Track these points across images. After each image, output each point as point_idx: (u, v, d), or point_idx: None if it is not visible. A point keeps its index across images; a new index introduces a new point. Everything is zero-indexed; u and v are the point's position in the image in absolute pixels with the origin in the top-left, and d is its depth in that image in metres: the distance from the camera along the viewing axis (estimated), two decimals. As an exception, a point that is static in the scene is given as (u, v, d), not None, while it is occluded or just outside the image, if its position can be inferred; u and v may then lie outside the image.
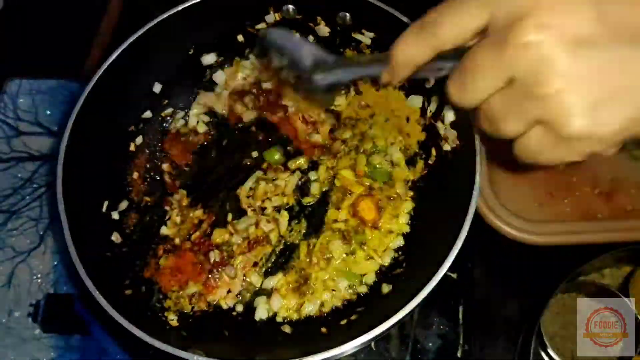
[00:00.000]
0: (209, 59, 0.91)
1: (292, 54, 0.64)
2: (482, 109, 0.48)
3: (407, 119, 0.86)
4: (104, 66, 0.78)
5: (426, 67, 0.51)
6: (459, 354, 0.80)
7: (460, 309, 0.82)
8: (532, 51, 0.41)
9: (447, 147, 0.79)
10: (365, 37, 0.85)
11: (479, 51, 0.45)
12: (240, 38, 0.90)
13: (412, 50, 0.50)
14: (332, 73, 0.60)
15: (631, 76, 0.41)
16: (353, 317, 0.74)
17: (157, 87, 0.89)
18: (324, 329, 0.73)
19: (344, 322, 0.74)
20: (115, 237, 0.80)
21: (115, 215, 0.82)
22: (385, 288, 0.77)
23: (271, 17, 0.87)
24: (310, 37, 0.87)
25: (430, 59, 0.50)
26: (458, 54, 0.48)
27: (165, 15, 0.81)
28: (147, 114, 0.89)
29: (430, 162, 0.84)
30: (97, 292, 0.65)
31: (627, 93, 0.42)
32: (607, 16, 0.41)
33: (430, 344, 0.81)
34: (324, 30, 0.87)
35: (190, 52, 0.89)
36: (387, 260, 0.80)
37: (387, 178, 0.85)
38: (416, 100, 0.85)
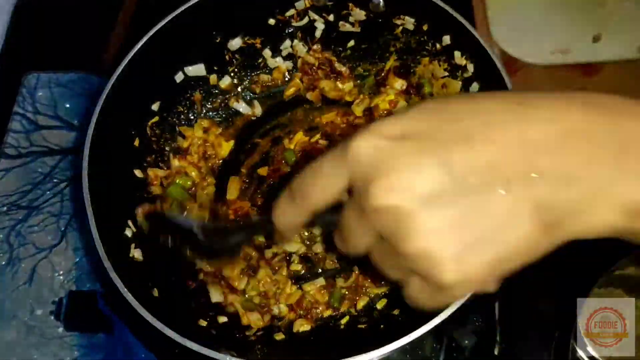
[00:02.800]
0: (235, 43, 0.89)
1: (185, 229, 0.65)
2: (370, 257, 0.48)
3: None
4: (129, 56, 0.77)
5: (317, 221, 0.53)
6: (496, 352, 0.78)
7: (497, 305, 0.80)
8: (387, 215, 0.41)
9: None
10: (408, 23, 0.83)
11: (345, 214, 0.46)
12: (271, 21, 0.88)
13: (288, 216, 0.51)
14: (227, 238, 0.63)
15: (485, 221, 0.41)
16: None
17: (179, 77, 0.87)
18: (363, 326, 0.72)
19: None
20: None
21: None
22: None
23: (301, 4, 0.85)
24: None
25: (311, 218, 0.50)
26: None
27: (188, 5, 0.79)
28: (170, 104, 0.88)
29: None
30: (125, 289, 0.63)
31: (485, 237, 0.41)
32: (452, 167, 0.41)
33: (466, 342, 0.78)
34: (359, 14, 0.85)
35: (217, 40, 0.88)
36: None
37: None
38: None
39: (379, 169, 0.42)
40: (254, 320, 0.76)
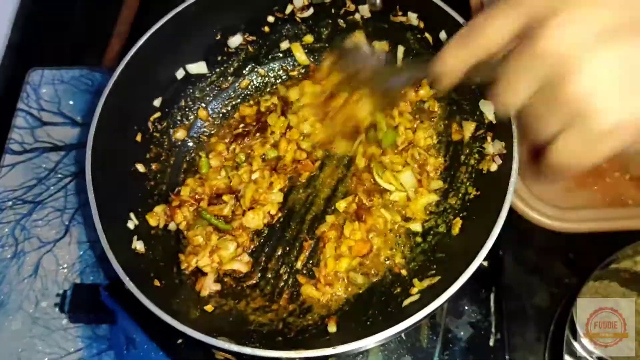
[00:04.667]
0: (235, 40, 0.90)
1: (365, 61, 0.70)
2: (523, 113, 0.49)
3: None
4: (131, 53, 0.78)
5: (476, 73, 0.53)
6: (491, 343, 0.79)
7: (492, 297, 0.81)
8: (556, 52, 0.43)
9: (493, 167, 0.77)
10: (412, 19, 0.84)
11: (513, 57, 0.47)
12: (270, 19, 0.89)
13: (456, 59, 0.52)
14: (402, 75, 0.68)
15: None
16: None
17: (180, 73, 0.88)
18: (363, 318, 0.73)
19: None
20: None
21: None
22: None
23: (299, 2, 0.86)
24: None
25: (475, 66, 0.52)
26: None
27: (189, 2, 0.80)
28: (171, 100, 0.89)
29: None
30: (128, 278, 0.64)
31: None
32: (633, 5, 0.42)
33: (462, 333, 0.79)
34: (365, 10, 0.86)
35: (217, 38, 0.89)
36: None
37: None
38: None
39: (555, 7, 0.43)
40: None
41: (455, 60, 0.52)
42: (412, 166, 0.85)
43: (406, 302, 0.71)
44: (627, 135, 0.44)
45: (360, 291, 0.79)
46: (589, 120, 0.44)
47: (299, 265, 0.81)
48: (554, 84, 0.44)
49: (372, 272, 0.80)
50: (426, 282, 0.73)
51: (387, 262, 0.80)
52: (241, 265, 0.81)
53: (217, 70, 0.92)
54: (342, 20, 0.89)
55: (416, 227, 0.81)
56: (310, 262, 0.82)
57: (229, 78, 0.94)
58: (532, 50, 0.44)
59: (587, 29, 0.42)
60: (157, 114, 0.87)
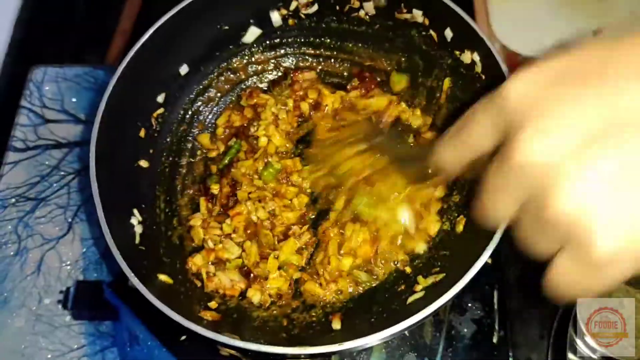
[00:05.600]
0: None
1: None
2: (515, 228, 0.43)
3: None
4: (134, 49, 0.78)
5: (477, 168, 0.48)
6: (494, 340, 0.79)
7: (496, 294, 0.81)
8: (535, 167, 0.37)
9: None
10: (417, 16, 0.84)
11: (491, 170, 0.41)
12: (275, 17, 0.89)
13: (449, 157, 0.49)
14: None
15: None
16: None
17: (183, 70, 0.88)
18: (368, 315, 0.73)
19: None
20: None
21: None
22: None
23: None
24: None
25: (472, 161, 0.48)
26: None
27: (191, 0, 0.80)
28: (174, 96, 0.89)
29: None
30: (132, 274, 0.64)
31: None
32: (608, 110, 0.35)
33: (465, 330, 0.80)
34: (369, 7, 0.86)
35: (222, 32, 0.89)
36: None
37: None
38: None
39: (529, 114, 0.37)
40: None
41: (450, 157, 0.49)
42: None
43: (410, 299, 0.71)
44: (625, 266, 0.37)
45: (365, 288, 0.78)
46: (578, 248, 0.37)
47: (302, 262, 0.81)
48: (538, 200, 0.38)
49: (377, 269, 0.79)
50: (430, 280, 0.72)
51: (393, 261, 0.80)
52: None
53: (222, 65, 0.93)
54: (346, 17, 0.89)
55: (420, 248, 0.80)
56: (313, 259, 0.81)
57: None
58: (507, 164, 0.39)
59: (567, 136, 0.36)
60: (161, 110, 0.87)
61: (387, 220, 0.79)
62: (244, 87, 0.95)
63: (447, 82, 0.84)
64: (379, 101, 0.88)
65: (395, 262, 0.79)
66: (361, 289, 0.78)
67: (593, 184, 0.35)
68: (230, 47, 0.91)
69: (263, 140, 0.86)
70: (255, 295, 0.77)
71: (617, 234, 0.35)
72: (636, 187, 0.35)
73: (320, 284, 0.78)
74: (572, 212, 0.36)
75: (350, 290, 0.78)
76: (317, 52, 0.95)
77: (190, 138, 0.92)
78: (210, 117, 0.93)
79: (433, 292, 0.66)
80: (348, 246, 0.79)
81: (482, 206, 0.44)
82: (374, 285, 0.79)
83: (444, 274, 0.71)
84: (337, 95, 0.89)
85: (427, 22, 0.83)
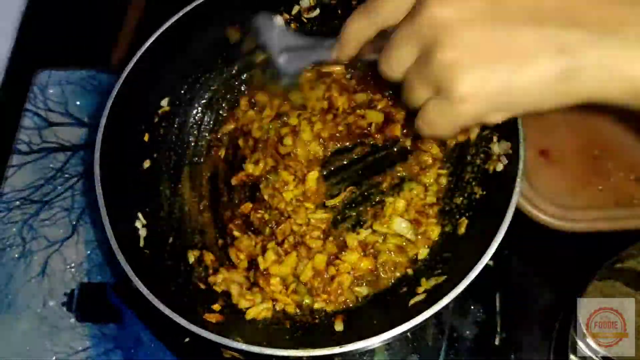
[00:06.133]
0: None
1: (265, 38, 0.70)
2: (403, 81, 0.53)
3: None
4: (139, 53, 0.78)
5: (372, 47, 0.57)
6: (496, 342, 0.79)
7: (498, 296, 0.81)
8: (434, 22, 0.47)
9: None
10: None
11: (399, 24, 0.51)
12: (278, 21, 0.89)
13: (357, 27, 0.56)
14: (297, 55, 0.67)
15: (513, 46, 0.45)
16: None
17: (188, 73, 0.89)
18: (370, 317, 0.73)
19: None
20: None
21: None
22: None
23: (306, 2, 0.87)
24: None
25: (373, 36, 0.56)
26: None
27: (197, 2, 0.81)
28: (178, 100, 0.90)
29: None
30: (136, 277, 0.64)
31: (508, 62, 0.45)
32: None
33: (467, 332, 0.80)
34: None
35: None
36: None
37: None
38: None
39: None
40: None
41: (359, 27, 0.56)
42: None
43: (412, 301, 0.71)
44: (478, 105, 0.47)
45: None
46: (445, 90, 0.47)
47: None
48: (428, 52, 0.47)
49: (382, 275, 0.79)
50: (432, 282, 0.73)
51: (396, 268, 0.79)
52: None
53: (226, 69, 0.93)
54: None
55: (423, 253, 0.79)
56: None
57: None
58: (414, 19, 0.48)
59: (463, 8, 0.46)
60: (165, 114, 0.87)
61: (385, 234, 0.80)
62: (248, 90, 0.95)
63: None
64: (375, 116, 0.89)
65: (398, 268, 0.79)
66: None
67: (469, 44, 0.46)
68: (235, 50, 0.92)
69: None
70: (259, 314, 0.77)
71: (471, 79, 0.46)
72: (499, 55, 0.46)
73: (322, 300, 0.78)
74: (447, 62, 0.46)
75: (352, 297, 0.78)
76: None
77: (194, 141, 0.92)
78: (214, 120, 0.94)
79: (435, 294, 0.66)
80: (345, 268, 0.79)
81: (384, 56, 0.52)
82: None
83: (446, 276, 0.72)
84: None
85: None
